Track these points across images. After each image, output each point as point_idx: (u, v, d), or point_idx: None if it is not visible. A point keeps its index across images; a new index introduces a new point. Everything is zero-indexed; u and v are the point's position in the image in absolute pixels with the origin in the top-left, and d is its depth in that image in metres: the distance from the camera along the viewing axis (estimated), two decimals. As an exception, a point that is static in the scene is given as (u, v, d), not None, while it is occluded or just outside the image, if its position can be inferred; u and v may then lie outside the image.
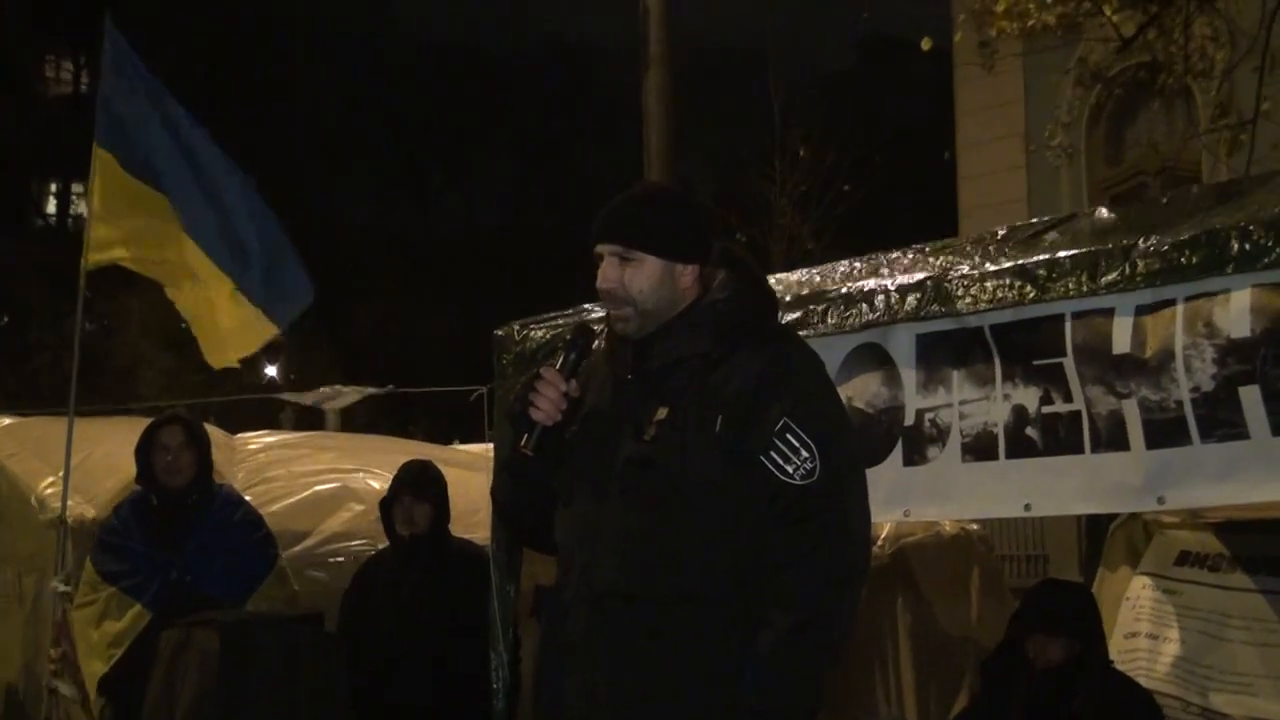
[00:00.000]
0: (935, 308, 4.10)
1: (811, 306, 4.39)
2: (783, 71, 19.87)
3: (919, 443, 4.24)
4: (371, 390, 7.23)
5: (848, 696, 7.31)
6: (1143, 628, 6.32)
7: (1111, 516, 6.54)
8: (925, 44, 11.94)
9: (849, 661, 7.24)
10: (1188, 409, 3.65)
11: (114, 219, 7.04)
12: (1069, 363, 3.87)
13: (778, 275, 4.62)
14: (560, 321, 5.04)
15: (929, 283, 4.13)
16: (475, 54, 38.96)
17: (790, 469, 3.17)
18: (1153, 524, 6.48)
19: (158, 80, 7.19)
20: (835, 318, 4.33)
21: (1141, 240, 3.71)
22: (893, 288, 4.21)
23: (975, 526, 8.58)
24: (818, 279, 4.54)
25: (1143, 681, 5.83)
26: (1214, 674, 5.99)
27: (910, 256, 4.36)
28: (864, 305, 4.27)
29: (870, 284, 4.31)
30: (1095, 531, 6.81)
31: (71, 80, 38.44)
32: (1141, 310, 3.74)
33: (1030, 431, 3.99)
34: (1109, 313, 3.79)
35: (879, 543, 7.73)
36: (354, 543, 6.87)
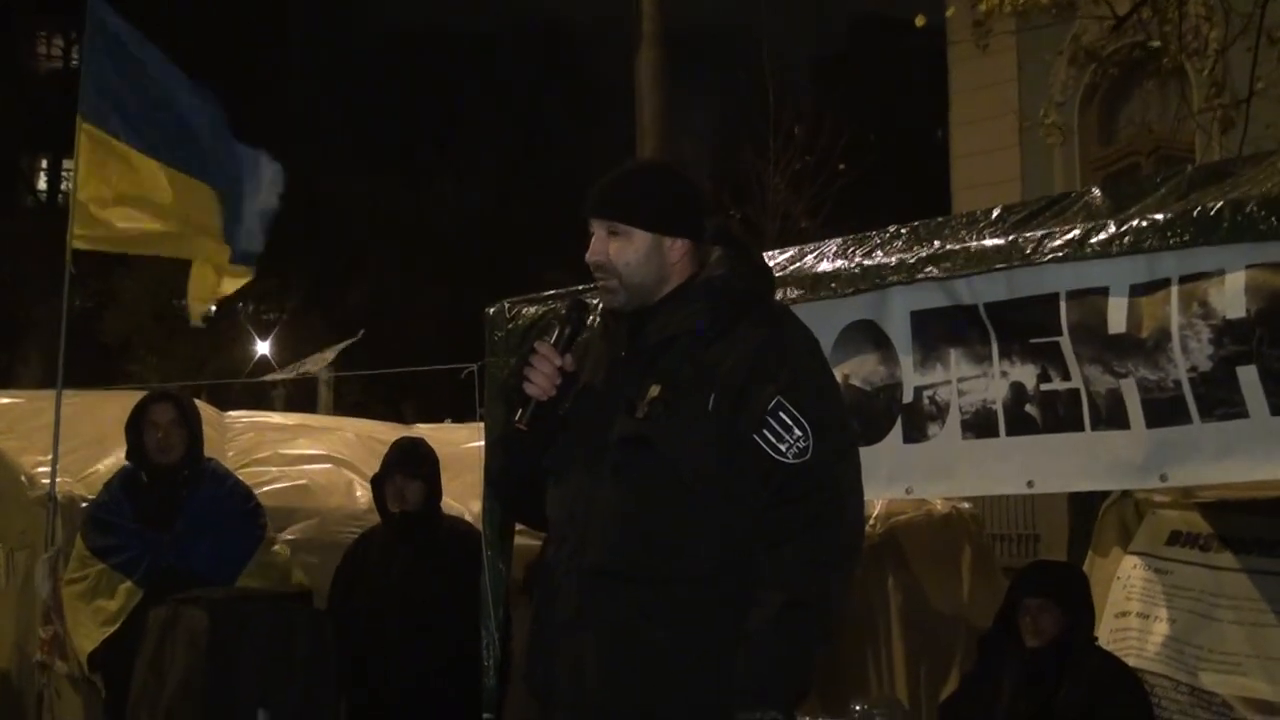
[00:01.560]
0: (930, 270, 4.10)
1: (804, 278, 4.39)
2: (777, 49, 19.84)
3: (919, 420, 4.24)
4: (348, 342, 7.28)
5: (838, 675, 7.31)
6: (1133, 607, 6.33)
7: (1102, 496, 6.54)
8: (918, 20, 11.90)
9: (839, 641, 7.24)
10: (1186, 389, 3.65)
11: (101, 194, 6.99)
12: (1065, 342, 3.88)
13: (768, 253, 4.62)
14: (552, 301, 5.02)
15: (922, 253, 4.13)
16: (465, 34, 38.88)
17: (783, 448, 3.15)
18: (1144, 503, 6.48)
19: (141, 36, 7.15)
20: (825, 290, 4.33)
21: (1135, 213, 3.71)
22: (891, 262, 4.21)
23: (967, 505, 8.57)
24: (810, 258, 4.54)
25: (1132, 661, 5.85)
26: (1203, 653, 6.00)
27: (904, 232, 4.36)
28: (856, 272, 4.27)
29: (860, 259, 4.31)
30: (1085, 511, 6.81)
31: (62, 56, 38.34)
32: (1136, 290, 3.74)
33: (1030, 409, 4.00)
34: (1103, 292, 3.79)
35: (870, 521, 7.73)
36: (345, 525, 6.85)
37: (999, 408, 4.06)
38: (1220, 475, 3.85)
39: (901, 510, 7.93)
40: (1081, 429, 3.90)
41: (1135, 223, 3.69)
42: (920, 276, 4.11)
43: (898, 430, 4.29)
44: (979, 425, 4.12)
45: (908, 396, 4.26)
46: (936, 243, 4.17)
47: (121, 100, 7.06)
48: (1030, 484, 4.10)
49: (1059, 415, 3.95)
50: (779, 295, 4.25)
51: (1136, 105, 16.19)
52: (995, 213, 4.17)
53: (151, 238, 7.27)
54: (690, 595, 3.18)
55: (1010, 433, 4.06)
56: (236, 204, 7.26)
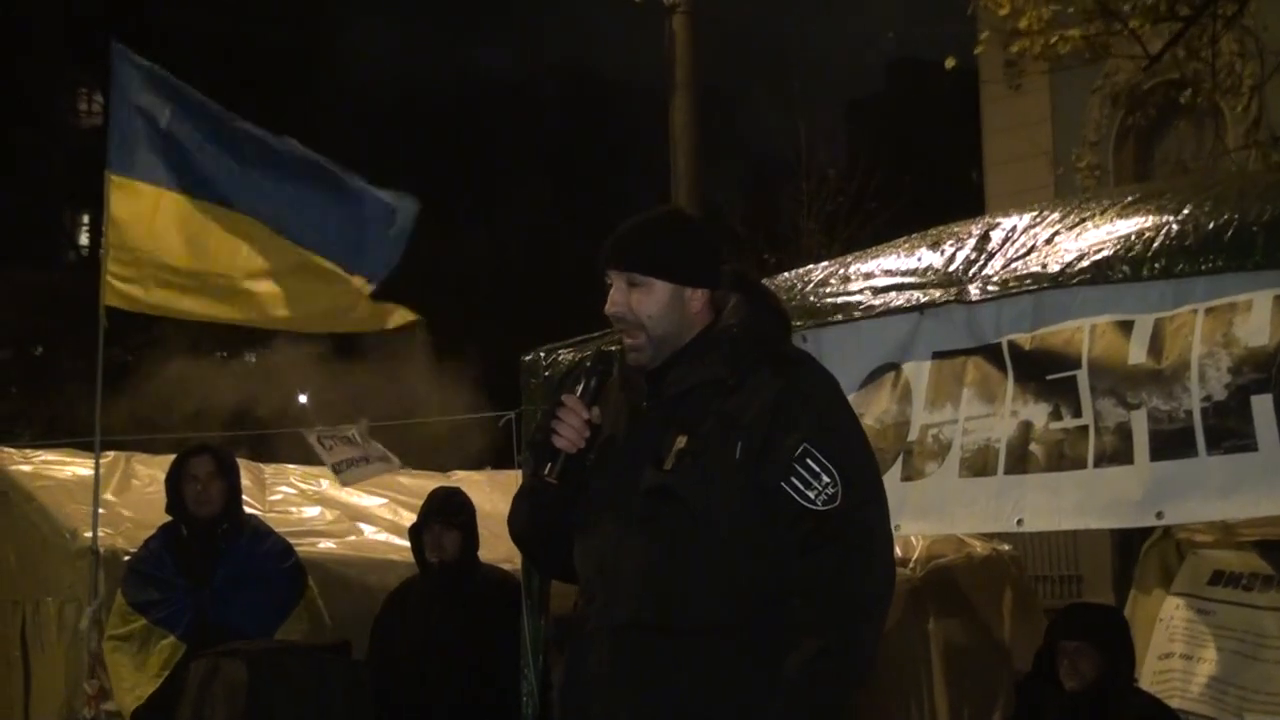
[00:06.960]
0: (941, 293, 4.16)
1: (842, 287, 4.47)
2: (810, 93, 19.90)
3: (919, 458, 4.25)
4: (390, 468, 7.29)
5: (882, 719, 7.27)
6: (1176, 648, 6.28)
7: (1144, 536, 6.50)
8: (949, 62, 11.91)
9: (881, 684, 7.20)
10: (1196, 419, 3.62)
11: (132, 247, 7.01)
12: (1083, 375, 3.86)
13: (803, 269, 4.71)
14: (587, 346, 5.04)
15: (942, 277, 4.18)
16: (502, 82, 39.14)
17: (812, 495, 3.15)
18: (1185, 543, 6.43)
19: (176, 83, 7.18)
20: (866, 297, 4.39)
21: (1162, 232, 3.73)
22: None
23: (1007, 547, 8.54)
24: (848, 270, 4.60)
25: (1176, 703, 5.80)
26: (1249, 694, 5.94)
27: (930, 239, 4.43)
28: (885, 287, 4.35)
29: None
30: (1127, 551, 6.76)
31: (103, 112, 38.70)
32: (1161, 321, 3.73)
33: (1034, 447, 3.98)
34: (1128, 325, 3.79)
35: (911, 564, 7.71)
36: (382, 573, 6.87)
37: (1001, 446, 4.04)
38: (1221, 511, 3.82)
39: (942, 553, 7.91)
40: (1084, 466, 3.87)
41: (1165, 239, 3.72)
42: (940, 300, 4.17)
43: (897, 468, 4.28)
44: (977, 464, 4.11)
45: (913, 434, 4.27)
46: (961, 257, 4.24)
47: (155, 141, 7.07)
48: (1019, 522, 4.06)
49: (1063, 453, 3.92)
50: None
51: (1171, 144, 16.11)
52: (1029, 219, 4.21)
53: (186, 295, 7.22)
54: (721, 645, 3.16)
55: (1008, 471, 4.04)
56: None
